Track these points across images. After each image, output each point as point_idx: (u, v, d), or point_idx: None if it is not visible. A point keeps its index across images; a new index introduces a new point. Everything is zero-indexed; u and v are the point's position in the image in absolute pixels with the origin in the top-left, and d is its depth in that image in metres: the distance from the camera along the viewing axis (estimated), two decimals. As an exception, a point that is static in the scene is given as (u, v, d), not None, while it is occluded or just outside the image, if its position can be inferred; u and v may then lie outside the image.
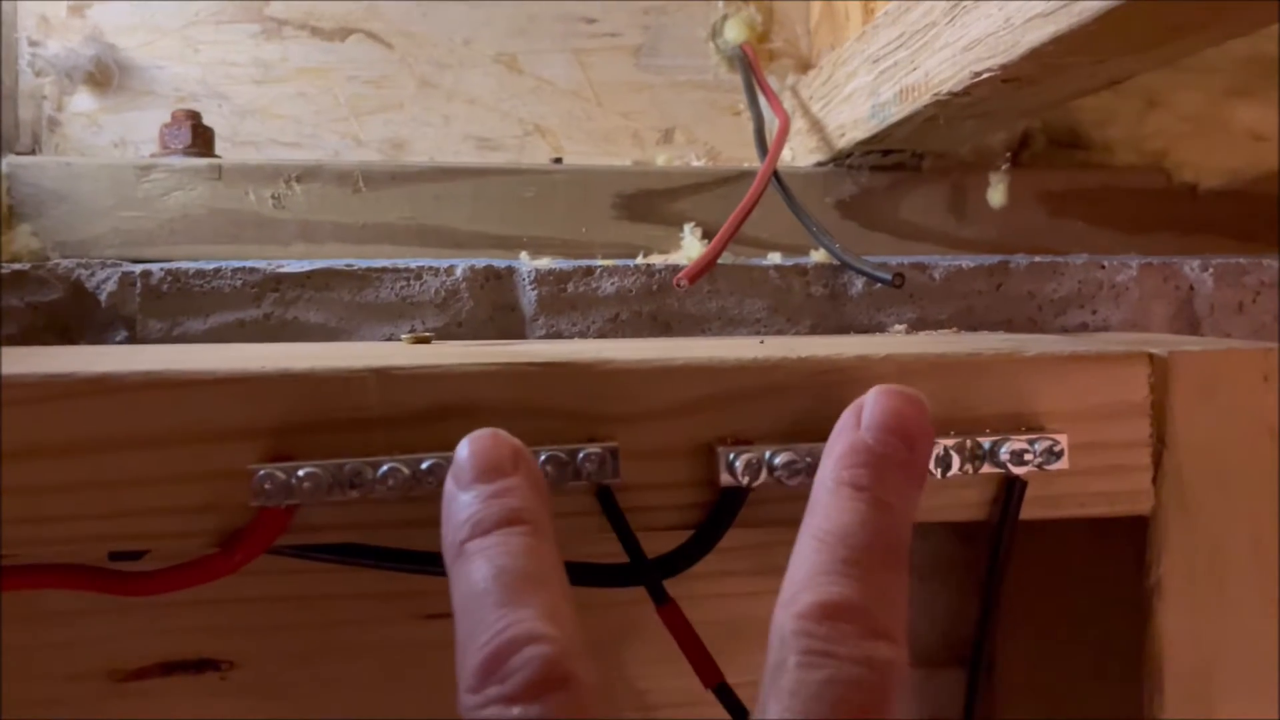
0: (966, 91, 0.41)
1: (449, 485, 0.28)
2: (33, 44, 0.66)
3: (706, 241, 0.57)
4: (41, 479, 0.30)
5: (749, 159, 0.71)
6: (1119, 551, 0.36)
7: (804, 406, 0.32)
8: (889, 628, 0.25)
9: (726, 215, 0.59)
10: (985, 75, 0.39)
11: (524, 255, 0.57)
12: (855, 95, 0.53)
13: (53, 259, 0.54)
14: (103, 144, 0.66)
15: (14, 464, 0.30)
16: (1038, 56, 0.36)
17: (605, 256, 0.58)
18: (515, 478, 0.28)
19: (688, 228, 0.57)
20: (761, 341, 0.38)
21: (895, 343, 0.38)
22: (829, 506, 0.28)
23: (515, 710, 0.23)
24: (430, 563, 0.33)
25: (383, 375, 0.31)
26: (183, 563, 0.30)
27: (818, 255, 0.55)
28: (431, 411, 0.31)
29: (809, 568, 0.27)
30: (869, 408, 0.29)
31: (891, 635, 0.25)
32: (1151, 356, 0.34)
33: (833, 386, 0.32)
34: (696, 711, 0.36)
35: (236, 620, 0.39)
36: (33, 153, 0.66)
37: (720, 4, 0.71)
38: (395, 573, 0.34)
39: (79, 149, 0.66)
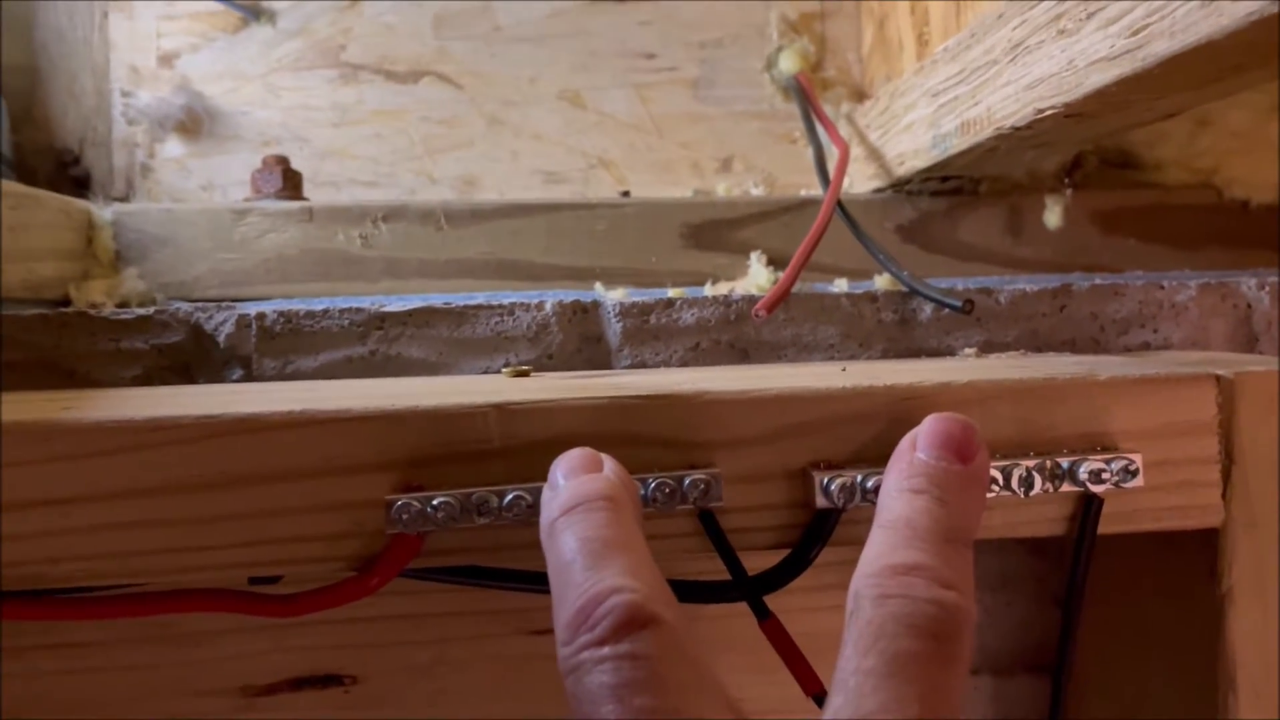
0: (1029, 126, 0.43)
1: (545, 492, 0.31)
2: (125, 94, 0.70)
3: (773, 268, 0.59)
4: (192, 512, 0.33)
5: (806, 185, 0.74)
6: (1190, 562, 0.38)
7: (889, 430, 0.35)
8: (957, 582, 0.27)
9: (791, 242, 0.61)
10: (1048, 112, 0.41)
11: (598, 286, 0.60)
12: (915, 126, 0.56)
13: (160, 300, 0.57)
14: (192, 188, 0.70)
15: (168, 498, 0.33)
16: (1101, 96, 0.38)
17: (674, 285, 0.61)
18: (599, 473, 0.31)
19: (755, 255, 0.60)
20: (844, 369, 0.40)
21: (972, 368, 0.40)
22: (892, 508, 0.30)
23: (605, 650, 0.25)
24: (543, 582, 0.35)
25: (503, 410, 0.34)
26: (325, 586, 0.33)
27: (882, 280, 0.58)
28: (546, 442, 0.34)
29: (877, 549, 0.29)
30: (921, 433, 0.32)
31: (960, 589, 0.27)
32: (1218, 378, 0.36)
33: (916, 412, 0.34)
34: (791, 716, 0.38)
35: (360, 637, 0.42)
36: (126, 198, 0.70)
37: (774, 36, 0.74)
38: (508, 591, 0.36)
39: (170, 193, 0.70)
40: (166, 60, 0.70)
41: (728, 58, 0.74)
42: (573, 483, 0.30)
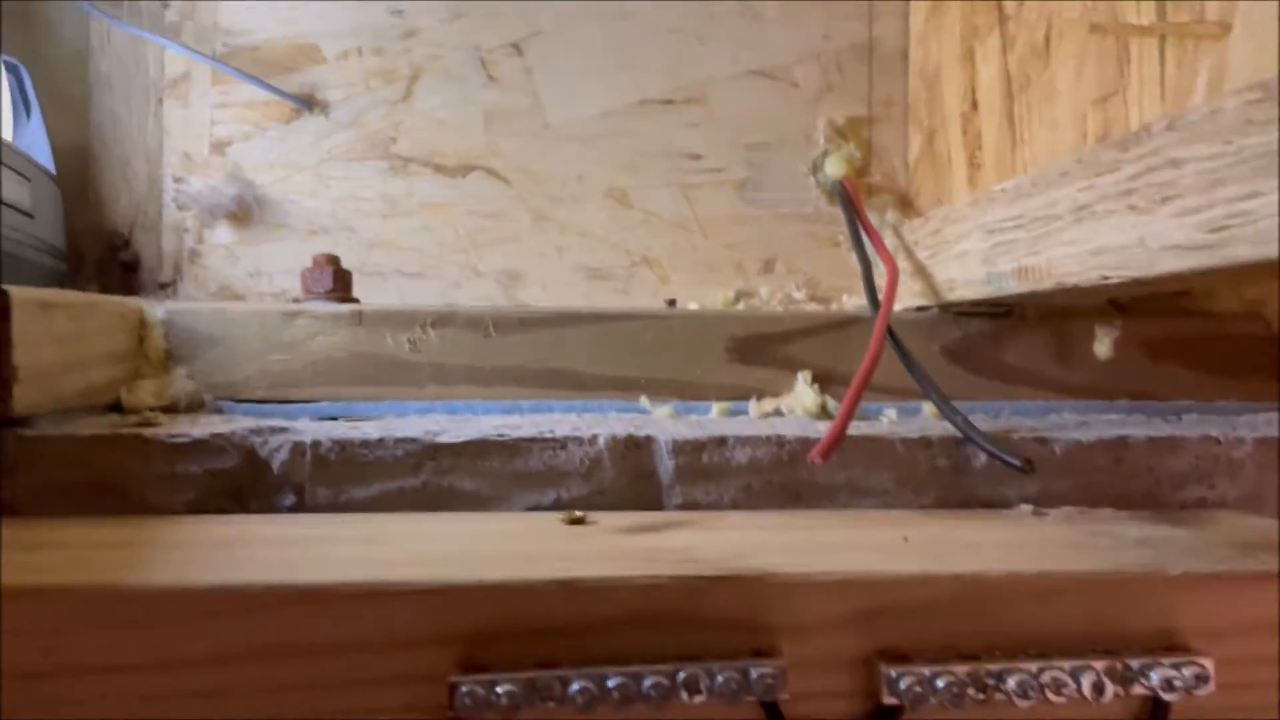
0: (1094, 288, 0.43)
1: None
2: (177, 180, 0.71)
3: (818, 387, 0.59)
4: (250, 682, 0.33)
5: (848, 289, 0.74)
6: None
7: (957, 619, 0.34)
8: None
9: (837, 359, 0.61)
10: (1116, 280, 0.41)
11: (643, 399, 0.60)
12: (967, 257, 0.56)
13: (208, 402, 0.57)
14: (239, 274, 0.71)
15: (225, 669, 0.33)
16: (1176, 278, 0.38)
17: (719, 398, 0.61)
18: None
19: (801, 376, 0.60)
20: (905, 539, 0.40)
21: (1035, 542, 0.40)
22: None
23: None
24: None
25: (567, 587, 0.34)
26: (384, 763, 0.33)
27: (929, 407, 0.58)
28: (610, 622, 0.34)
29: None
30: None
31: None
32: (1288, 573, 0.35)
33: (985, 602, 0.34)
34: None
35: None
36: (174, 283, 0.70)
37: (821, 141, 0.74)
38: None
39: (218, 279, 0.70)
40: (219, 148, 0.71)
41: (774, 160, 0.74)
42: None
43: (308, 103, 0.71)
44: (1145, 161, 0.38)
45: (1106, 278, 0.41)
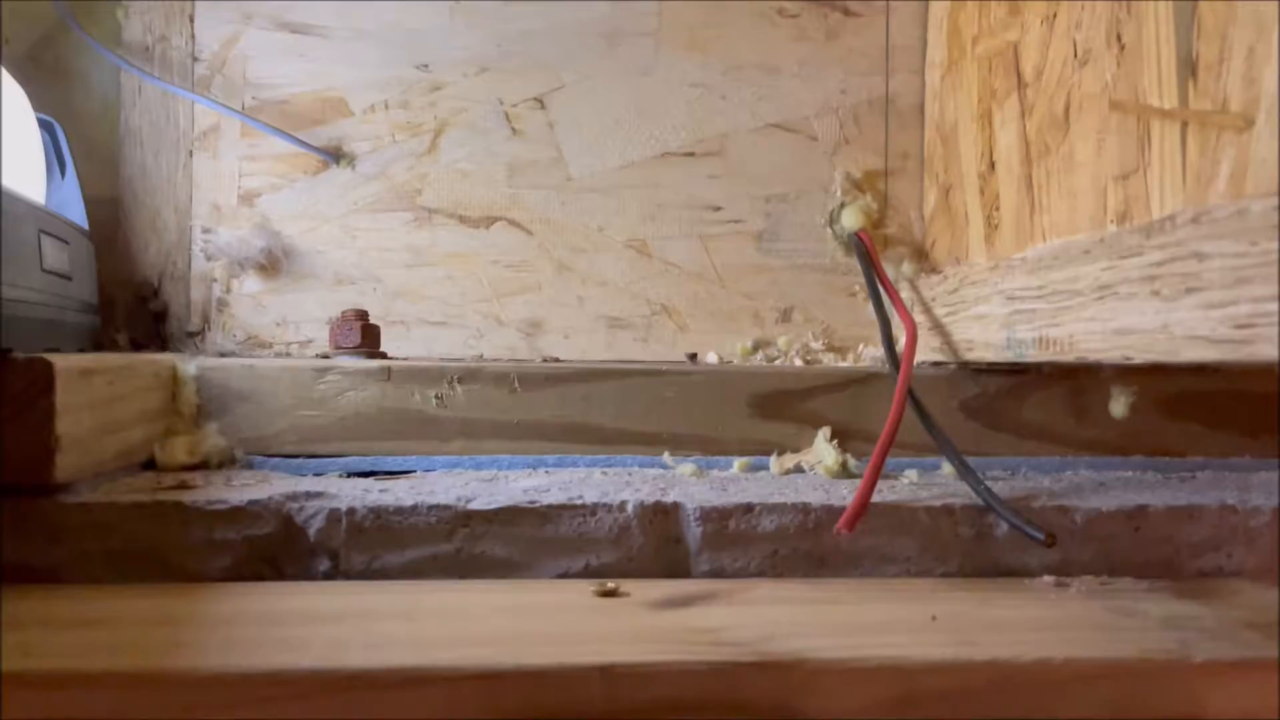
0: (1115, 363, 0.44)
1: None
2: (205, 231, 0.72)
3: (837, 443, 0.60)
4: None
5: (864, 339, 0.75)
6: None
7: (986, 706, 0.35)
8: None
9: (857, 415, 0.62)
10: (1139, 360, 0.42)
11: (666, 454, 0.61)
12: (987, 319, 0.57)
13: (240, 457, 0.58)
14: (266, 323, 0.72)
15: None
16: (1201, 365, 0.38)
17: (741, 453, 0.62)
18: None
19: (821, 433, 0.61)
20: (934, 618, 0.40)
21: (1064, 623, 0.41)
22: None
23: None
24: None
25: (606, 672, 0.35)
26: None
27: (947, 466, 0.59)
28: (649, 706, 0.34)
29: None
30: None
31: None
32: (1309, 659, 0.36)
33: (1015, 689, 0.35)
34: None
35: None
36: (202, 332, 0.71)
37: (838, 192, 0.75)
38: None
39: (245, 328, 0.72)
40: (247, 199, 0.72)
41: (792, 212, 0.75)
42: None
43: (335, 155, 0.72)
44: (1169, 251, 0.39)
45: (1129, 358, 0.42)
